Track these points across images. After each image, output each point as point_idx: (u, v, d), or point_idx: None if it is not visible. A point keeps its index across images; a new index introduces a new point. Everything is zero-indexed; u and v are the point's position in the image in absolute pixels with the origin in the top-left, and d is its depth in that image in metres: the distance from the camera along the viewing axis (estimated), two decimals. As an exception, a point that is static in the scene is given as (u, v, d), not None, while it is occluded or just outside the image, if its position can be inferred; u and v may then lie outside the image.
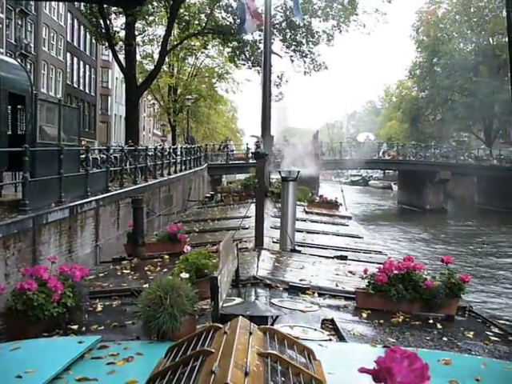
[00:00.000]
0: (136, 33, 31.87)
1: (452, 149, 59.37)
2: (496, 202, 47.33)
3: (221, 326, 2.72)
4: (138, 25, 33.47)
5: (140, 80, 33.34)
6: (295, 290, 6.70)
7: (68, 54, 53.59)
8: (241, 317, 2.80)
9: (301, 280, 7.12)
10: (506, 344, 5.43)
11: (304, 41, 34.09)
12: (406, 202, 54.39)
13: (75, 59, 55.78)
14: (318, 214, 15.73)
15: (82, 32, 56.34)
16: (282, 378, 2.23)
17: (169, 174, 26.75)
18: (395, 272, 6.28)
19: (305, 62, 34.44)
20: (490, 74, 58.20)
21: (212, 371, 2.04)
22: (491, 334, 5.82)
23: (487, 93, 54.79)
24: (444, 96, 65.63)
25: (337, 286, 7.07)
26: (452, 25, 67.06)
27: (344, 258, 9.29)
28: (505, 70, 63.12)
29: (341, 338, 4.81)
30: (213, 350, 2.33)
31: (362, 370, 1.44)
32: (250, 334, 2.58)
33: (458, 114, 61.97)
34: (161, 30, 39.19)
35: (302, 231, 11.58)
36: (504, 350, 5.19)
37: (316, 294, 6.64)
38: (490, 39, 61.61)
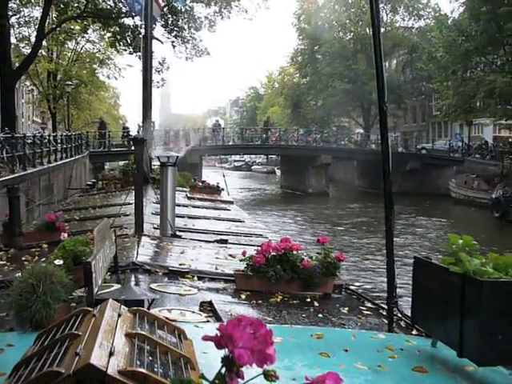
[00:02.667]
0: (10, 13, 30.61)
1: (333, 133, 61.02)
2: (374, 184, 48.97)
3: (90, 309, 2.70)
4: (12, 4, 32.12)
5: (16, 64, 32.12)
6: (175, 275, 6.72)
7: None
8: (111, 299, 2.78)
9: (180, 264, 7.15)
10: (376, 317, 5.73)
11: (186, 26, 33.89)
12: (289, 186, 55.29)
13: None
14: (199, 199, 15.76)
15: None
16: (150, 357, 2.25)
17: (49, 162, 26.01)
18: (273, 253, 6.42)
19: (186, 48, 34.32)
20: (368, 62, 60.05)
21: (76, 353, 2.03)
22: (364, 308, 6.11)
23: (365, 80, 56.55)
24: (325, 82, 67.09)
25: (216, 269, 7.15)
26: (332, 14, 68.64)
27: (224, 241, 9.40)
28: (381, 58, 65.08)
29: (218, 319, 4.88)
30: (80, 333, 2.31)
31: (205, 338, 1.49)
32: (119, 315, 2.57)
33: (338, 100, 63.60)
34: (38, 12, 37.76)
35: (183, 216, 11.59)
36: (375, 322, 5.50)
37: (196, 278, 6.69)
38: (367, 29, 63.52)
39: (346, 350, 3.63)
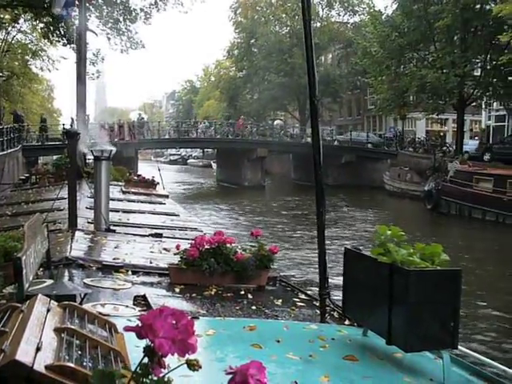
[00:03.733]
0: None
1: (269, 127, 61.28)
2: (309, 177, 49.22)
3: (19, 305, 2.66)
4: None
5: None
6: (109, 269, 6.68)
7: None
8: (40, 294, 2.75)
9: (115, 259, 7.10)
10: (310, 308, 5.81)
11: (121, 18, 33.51)
12: (225, 180, 55.25)
13: None
14: (135, 193, 15.64)
15: None
16: (79, 352, 2.24)
17: (-21, 155, 25.41)
18: (207, 247, 6.44)
19: (122, 40, 33.96)
20: (304, 56, 60.35)
21: (2, 350, 2.01)
22: (298, 300, 6.19)
23: (301, 74, 56.88)
24: (261, 76, 67.39)
25: (151, 263, 7.12)
26: (268, 8, 68.99)
27: (159, 235, 9.37)
28: (316, 53, 66.07)
29: None
30: (6, 330, 2.28)
31: (127, 329, 1.50)
32: (48, 310, 2.55)
33: (274, 94, 63.96)
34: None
35: (118, 211, 11.49)
36: (308, 314, 5.59)
37: (130, 272, 6.65)
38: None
39: (279, 341, 3.69)
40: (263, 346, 3.51)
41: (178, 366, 1.54)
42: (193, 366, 1.52)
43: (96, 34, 32.00)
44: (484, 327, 12.95)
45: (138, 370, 1.49)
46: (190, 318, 3.97)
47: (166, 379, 1.51)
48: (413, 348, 3.42)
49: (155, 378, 1.49)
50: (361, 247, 4.39)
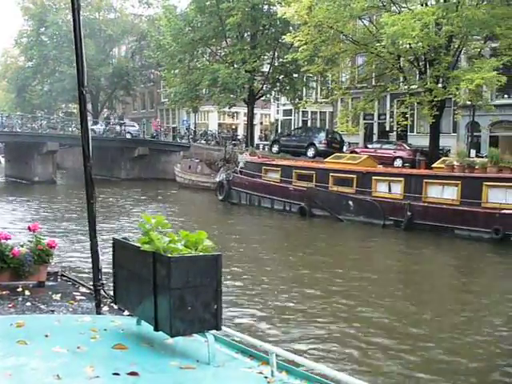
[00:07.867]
0: None
1: (60, 120, 59.48)
2: (103, 171, 48.93)
3: None
4: None
5: None
6: None
7: None
8: None
9: None
10: (89, 301, 5.80)
11: None
12: (14, 175, 52.84)
13: None
14: None
15: None
16: None
17: None
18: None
19: None
20: (98, 47, 59.47)
21: None
22: (78, 294, 6.15)
23: (94, 65, 55.80)
24: (52, 67, 65.16)
25: None
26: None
27: None
28: (109, 45, 65.31)
29: None
30: None
31: None
32: None
33: (66, 86, 62.02)
34: None
35: None
36: (87, 307, 5.59)
37: None
38: (97, 14, 62.79)
39: (47, 336, 3.66)
40: (29, 342, 3.47)
41: None
42: None
43: None
44: (246, 308, 13.35)
45: None
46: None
47: None
48: (179, 332, 3.54)
49: None
50: (124, 237, 4.41)
